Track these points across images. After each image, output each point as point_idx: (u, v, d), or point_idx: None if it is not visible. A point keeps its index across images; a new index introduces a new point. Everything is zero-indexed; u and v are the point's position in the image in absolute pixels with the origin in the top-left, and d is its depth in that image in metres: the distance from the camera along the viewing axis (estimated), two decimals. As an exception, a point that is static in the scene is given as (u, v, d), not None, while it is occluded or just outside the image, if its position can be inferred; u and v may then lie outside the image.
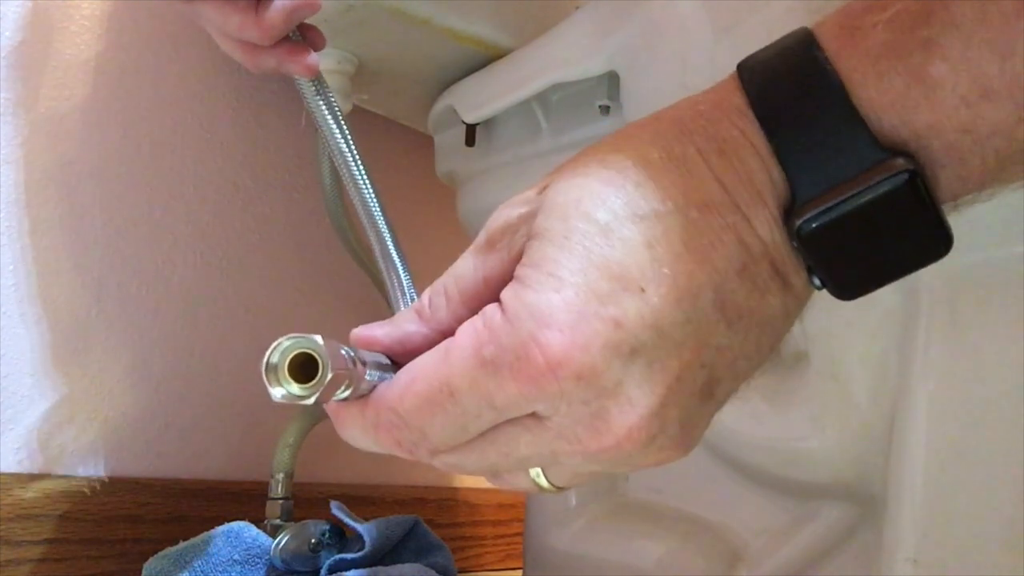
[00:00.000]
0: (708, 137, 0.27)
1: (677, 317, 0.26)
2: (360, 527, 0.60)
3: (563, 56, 0.60)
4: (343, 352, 0.28)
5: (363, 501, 0.85)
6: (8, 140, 0.65)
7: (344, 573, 0.58)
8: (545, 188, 0.29)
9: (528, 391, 0.26)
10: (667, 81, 0.51)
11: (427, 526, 0.65)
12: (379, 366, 0.29)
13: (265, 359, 0.27)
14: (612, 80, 0.57)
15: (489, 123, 0.73)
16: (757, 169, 0.27)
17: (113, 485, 0.68)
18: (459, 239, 0.85)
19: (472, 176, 0.76)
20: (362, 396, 0.29)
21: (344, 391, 0.28)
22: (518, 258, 0.28)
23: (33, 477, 0.64)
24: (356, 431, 0.30)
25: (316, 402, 0.27)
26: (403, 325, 0.31)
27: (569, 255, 0.26)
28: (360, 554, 0.59)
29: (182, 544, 0.57)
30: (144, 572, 0.56)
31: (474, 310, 0.29)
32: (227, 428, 0.77)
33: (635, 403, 0.26)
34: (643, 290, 0.26)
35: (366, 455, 0.97)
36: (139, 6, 0.73)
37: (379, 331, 0.31)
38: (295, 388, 0.27)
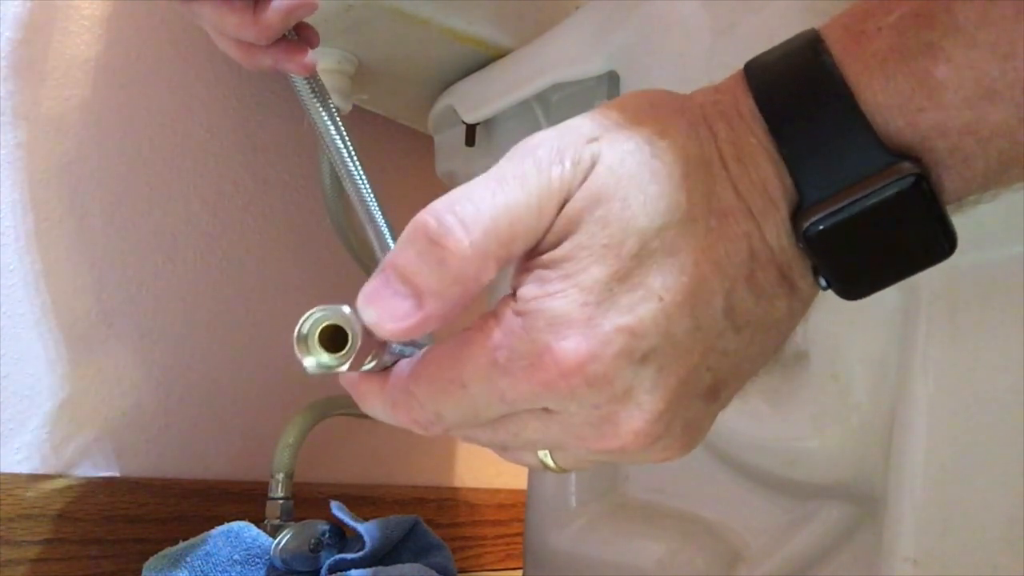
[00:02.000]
0: (728, 140, 0.28)
1: (688, 324, 0.26)
2: (360, 527, 0.60)
3: (563, 56, 0.60)
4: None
5: (363, 501, 0.85)
6: (8, 140, 0.65)
7: (344, 573, 0.58)
8: (594, 142, 0.28)
9: (539, 391, 0.27)
10: (667, 81, 0.51)
11: (427, 526, 0.65)
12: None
13: (296, 330, 0.27)
14: (612, 80, 0.57)
15: (489, 123, 0.73)
16: (772, 176, 0.27)
17: (113, 485, 0.68)
18: (459, 239, 0.85)
19: (472, 176, 0.75)
20: (386, 368, 0.30)
21: (370, 362, 0.28)
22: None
23: (33, 477, 0.64)
24: (376, 406, 0.30)
25: (347, 371, 0.27)
26: (445, 296, 0.28)
27: (600, 265, 0.26)
28: (360, 554, 0.59)
29: (182, 544, 0.57)
30: (144, 572, 0.56)
31: (511, 262, 0.27)
32: (227, 428, 0.77)
33: (643, 407, 0.27)
34: (661, 298, 0.26)
35: (366, 455, 0.97)
36: (138, 7, 0.73)
37: (416, 319, 0.29)
38: (326, 358, 0.27)
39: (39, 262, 0.66)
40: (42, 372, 0.66)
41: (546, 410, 0.28)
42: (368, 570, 0.58)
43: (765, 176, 0.27)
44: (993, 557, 0.41)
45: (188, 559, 0.56)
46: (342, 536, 0.62)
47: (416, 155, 0.93)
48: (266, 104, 0.82)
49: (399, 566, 0.59)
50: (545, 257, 0.27)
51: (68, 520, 0.65)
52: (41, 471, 0.65)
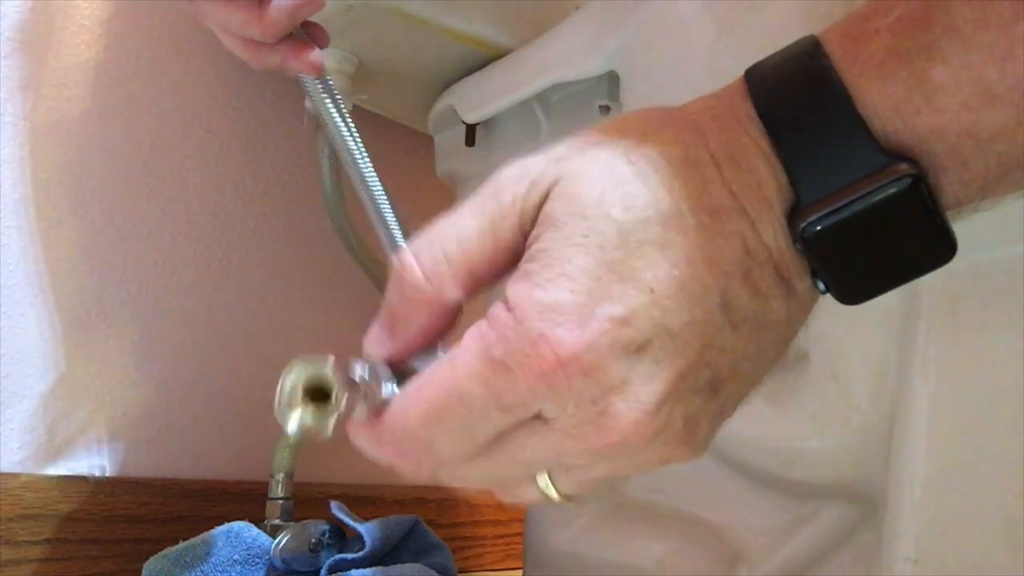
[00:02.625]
0: (721, 142, 0.28)
1: (684, 317, 0.27)
2: (360, 527, 0.60)
3: (563, 56, 0.60)
4: (357, 368, 0.28)
5: (363, 501, 0.85)
6: (9, 141, 0.65)
7: (344, 573, 0.58)
8: (562, 160, 0.28)
9: (538, 387, 0.26)
10: (667, 81, 0.51)
11: (427, 526, 0.65)
12: (395, 374, 0.29)
13: (277, 391, 0.26)
14: (612, 80, 0.57)
15: (489, 123, 0.73)
16: (766, 175, 0.27)
17: (113, 485, 0.68)
18: (459, 239, 0.85)
19: (472, 176, 0.75)
20: (379, 409, 0.29)
21: (362, 407, 0.28)
22: (531, 227, 0.28)
23: (33, 477, 0.64)
24: (363, 442, 0.30)
25: (333, 425, 0.27)
26: (410, 319, 0.30)
27: (584, 254, 0.27)
28: (360, 554, 0.59)
29: (182, 544, 0.57)
30: (144, 572, 0.56)
31: (481, 281, 0.29)
32: (227, 428, 0.77)
33: (641, 398, 0.27)
34: (653, 291, 0.26)
35: (366, 455, 0.97)
36: (139, 7, 0.73)
37: (390, 343, 0.31)
38: (309, 418, 0.26)
39: (40, 262, 0.66)
40: (42, 372, 0.66)
41: (542, 419, 0.28)
42: (368, 570, 0.58)
43: (759, 175, 0.27)
44: (993, 557, 0.41)
45: (188, 559, 0.56)
46: (342, 536, 0.62)
47: (416, 155, 0.93)
48: (266, 104, 0.82)
49: (399, 566, 0.59)
50: (530, 251, 0.28)
51: (68, 520, 0.65)
52: (41, 471, 0.65)
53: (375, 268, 0.82)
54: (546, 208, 0.28)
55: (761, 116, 0.27)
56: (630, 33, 0.54)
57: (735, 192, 0.27)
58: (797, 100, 0.27)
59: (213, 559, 0.56)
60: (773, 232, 0.27)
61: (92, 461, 0.68)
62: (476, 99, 0.70)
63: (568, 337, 0.26)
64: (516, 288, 0.27)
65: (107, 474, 0.69)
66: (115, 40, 0.72)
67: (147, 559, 0.57)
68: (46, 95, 0.68)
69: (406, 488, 0.91)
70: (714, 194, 0.27)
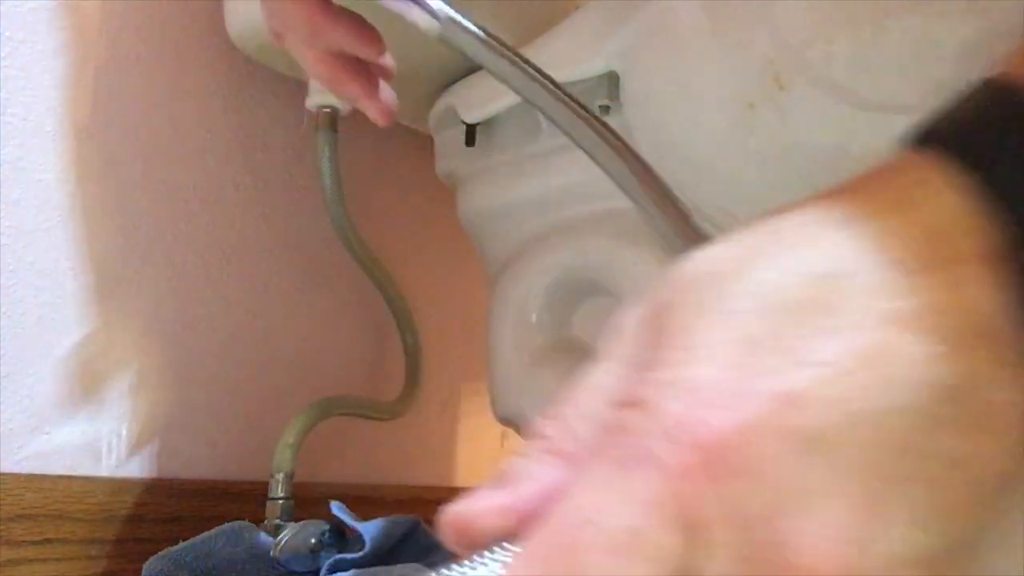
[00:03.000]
0: (889, 188, 0.21)
1: (878, 403, 0.18)
2: (360, 527, 0.60)
3: (563, 56, 0.60)
4: None
5: (363, 501, 0.85)
6: (9, 141, 0.65)
7: (344, 573, 0.58)
8: (674, 267, 0.22)
9: (682, 493, 0.18)
10: (667, 81, 0.51)
11: (427, 526, 0.65)
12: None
13: None
14: (612, 80, 0.57)
15: (489, 123, 0.73)
16: (964, 215, 0.20)
17: (113, 485, 0.68)
18: (459, 239, 0.85)
19: (472, 176, 0.75)
20: None
21: None
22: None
23: (33, 477, 0.64)
24: None
25: None
26: (541, 476, 0.22)
27: (724, 322, 0.20)
28: (360, 554, 0.59)
29: (182, 544, 0.57)
30: (144, 572, 0.57)
31: None
32: (227, 428, 0.77)
33: (828, 520, 0.18)
34: (827, 364, 0.19)
35: (366, 455, 0.97)
36: (139, 7, 0.73)
37: (490, 500, 0.22)
38: None
39: (40, 262, 0.66)
40: (42, 372, 0.66)
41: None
42: (368, 570, 0.58)
43: (955, 214, 0.20)
44: (993, 557, 0.41)
45: (188, 559, 0.56)
46: (342, 536, 0.62)
47: (416, 155, 0.93)
48: (266, 104, 0.82)
49: (399, 566, 0.59)
50: (653, 341, 0.21)
51: (68, 520, 0.65)
52: (41, 471, 0.65)
53: (375, 268, 0.82)
54: (662, 304, 0.21)
55: (947, 150, 0.21)
56: (630, 33, 0.54)
57: (929, 235, 0.20)
58: (989, 129, 0.21)
59: (213, 559, 0.56)
60: (991, 289, 0.20)
61: (92, 461, 0.68)
62: (476, 99, 0.70)
63: (714, 418, 0.18)
64: (640, 381, 0.20)
65: (107, 474, 0.69)
66: (115, 40, 0.72)
67: (147, 559, 0.57)
68: (45, 95, 0.68)
69: (406, 488, 0.91)
70: (898, 244, 0.20)
